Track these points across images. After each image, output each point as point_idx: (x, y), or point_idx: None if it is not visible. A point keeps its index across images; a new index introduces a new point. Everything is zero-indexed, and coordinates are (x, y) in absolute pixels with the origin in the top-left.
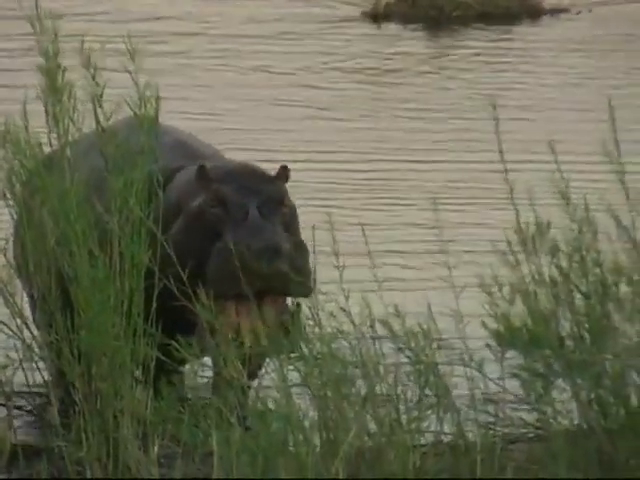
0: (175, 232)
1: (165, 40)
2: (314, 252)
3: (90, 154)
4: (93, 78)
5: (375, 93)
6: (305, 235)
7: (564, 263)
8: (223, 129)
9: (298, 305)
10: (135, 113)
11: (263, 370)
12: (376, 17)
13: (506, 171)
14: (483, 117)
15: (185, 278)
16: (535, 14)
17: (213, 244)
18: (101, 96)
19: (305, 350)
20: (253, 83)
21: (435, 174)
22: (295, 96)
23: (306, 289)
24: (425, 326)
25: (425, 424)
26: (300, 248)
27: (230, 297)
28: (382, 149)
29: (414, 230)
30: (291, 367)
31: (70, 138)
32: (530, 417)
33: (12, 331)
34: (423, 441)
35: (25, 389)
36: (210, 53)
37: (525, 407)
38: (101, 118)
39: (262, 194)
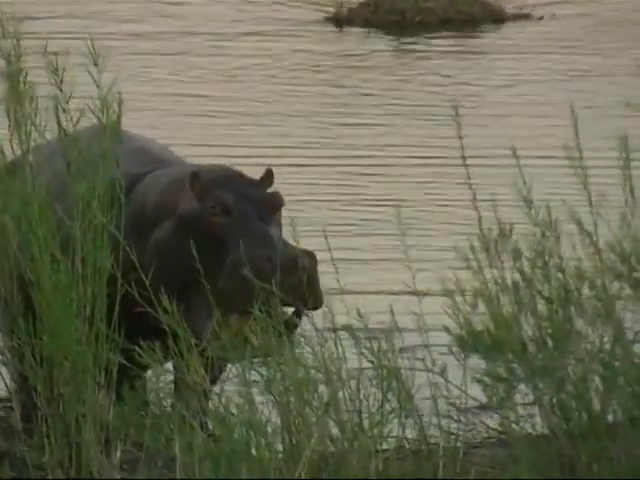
0: (163, 236)
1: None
2: None
3: (54, 159)
4: (60, 82)
5: (335, 95)
6: None
7: (527, 268)
8: (192, 125)
9: (297, 312)
10: (98, 118)
11: (225, 375)
12: (339, 21)
13: (468, 174)
14: (445, 121)
15: (165, 282)
16: (498, 20)
17: (213, 251)
18: (67, 102)
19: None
20: (214, 82)
21: (400, 174)
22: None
23: (317, 302)
24: (388, 331)
25: (387, 429)
26: (312, 259)
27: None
28: (348, 145)
29: (374, 211)
30: (254, 372)
31: (32, 143)
32: (492, 422)
33: None
34: (385, 446)
35: None
36: (174, 49)
37: (488, 412)
38: (64, 123)
39: (256, 200)
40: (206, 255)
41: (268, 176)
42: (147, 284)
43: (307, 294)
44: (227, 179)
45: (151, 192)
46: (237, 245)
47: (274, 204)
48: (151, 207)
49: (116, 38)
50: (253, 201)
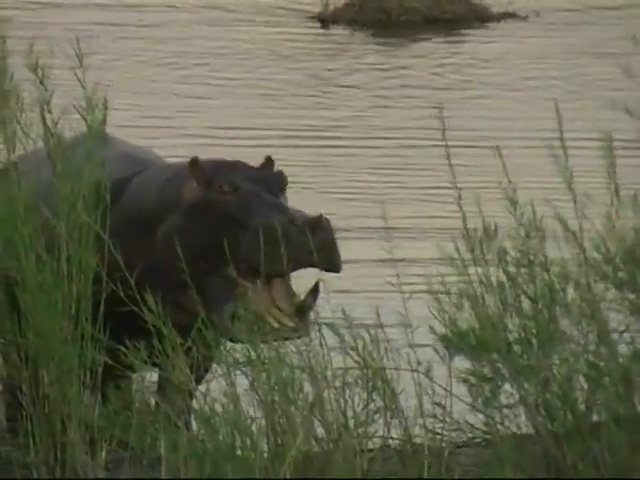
0: (171, 229)
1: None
2: None
3: (42, 163)
4: (41, 82)
5: (321, 94)
6: None
7: (512, 268)
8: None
9: (317, 284)
10: (84, 118)
11: (211, 375)
12: (324, 21)
13: (453, 174)
14: (430, 117)
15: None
16: (483, 19)
17: (229, 230)
18: (49, 102)
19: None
20: (202, 76)
21: (383, 176)
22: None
23: (339, 263)
24: (373, 331)
25: (372, 429)
26: (329, 222)
27: (269, 277)
28: (333, 137)
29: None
30: (239, 372)
31: (18, 143)
32: (477, 421)
33: None
34: (371, 446)
35: None
36: (161, 46)
37: (473, 411)
38: (49, 123)
39: (262, 179)
40: (223, 235)
41: (268, 163)
42: (150, 281)
43: (327, 256)
44: (229, 165)
45: (149, 191)
46: (254, 215)
47: (280, 182)
48: (152, 205)
49: None
50: (259, 180)
